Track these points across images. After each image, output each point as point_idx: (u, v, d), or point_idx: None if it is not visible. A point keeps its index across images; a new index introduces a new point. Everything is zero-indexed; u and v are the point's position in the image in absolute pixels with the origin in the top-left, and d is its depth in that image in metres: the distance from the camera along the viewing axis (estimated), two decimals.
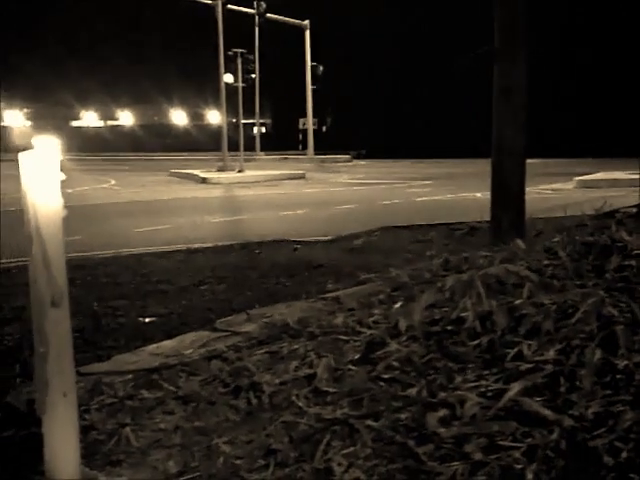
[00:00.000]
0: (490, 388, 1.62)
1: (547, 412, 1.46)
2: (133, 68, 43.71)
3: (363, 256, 6.57)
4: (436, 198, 14.20)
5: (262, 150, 33.13)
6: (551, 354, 1.72)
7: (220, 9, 21.39)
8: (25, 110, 50.64)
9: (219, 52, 21.59)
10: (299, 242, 7.41)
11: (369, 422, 1.49)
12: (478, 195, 13.96)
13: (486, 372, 1.72)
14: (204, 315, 4.01)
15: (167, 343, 2.08)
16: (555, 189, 15.21)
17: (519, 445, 1.39)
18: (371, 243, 7.50)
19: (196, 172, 20.71)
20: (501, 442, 1.39)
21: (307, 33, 29.65)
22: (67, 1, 45.80)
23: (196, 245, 7.14)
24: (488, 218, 7.99)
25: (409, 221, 8.99)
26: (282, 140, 38.82)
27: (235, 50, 23.10)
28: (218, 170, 21.80)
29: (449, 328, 1.96)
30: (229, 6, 22.54)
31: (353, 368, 1.79)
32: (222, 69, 21.82)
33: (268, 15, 26.12)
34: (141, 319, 3.95)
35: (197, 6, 23.46)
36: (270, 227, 9.44)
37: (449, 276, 2.40)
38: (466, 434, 1.41)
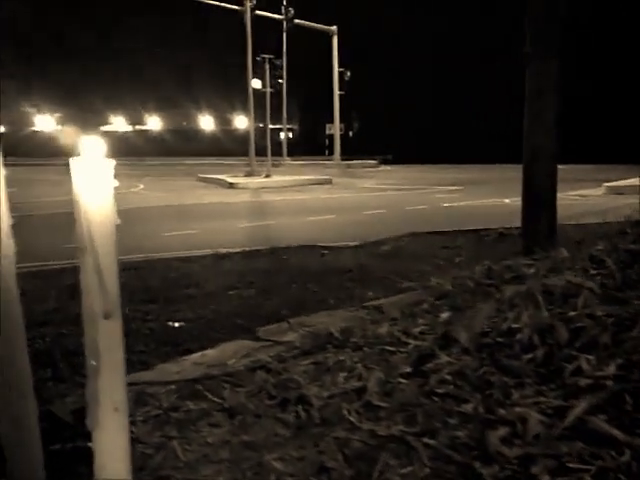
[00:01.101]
0: (550, 405, 1.54)
1: (616, 432, 1.39)
2: (162, 73, 44.14)
3: (392, 262, 6.51)
4: (463, 204, 14.09)
5: (289, 155, 33.19)
6: (612, 369, 1.64)
7: (249, 15, 21.47)
8: (56, 115, 51.39)
9: (247, 58, 21.66)
10: (327, 247, 7.37)
11: (426, 440, 1.43)
12: (506, 201, 13.83)
13: (544, 387, 1.65)
14: (233, 321, 3.99)
15: (209, 352, 2.04)
16: (584, 195, 15.00)
17: (588, 467, 1.32)
18: (399, 249, 7.43)
19: (223, 177, 20.79)
20: (569, 464, 1.32)
21: (335, 39, 29.64)
22: (97, 8, 46.42)
23: (224, 250, 7.12)
24: (517, 224, 7.90)
25: (437, 227, 8.90)
26: (309, 145, 38.90)
27: (263, 56, 23.20)
28: (245, 175, 21.87)
29: (502, 340, 1.89)
30: (257, 12, 22.63)
31: (403, 381, 1.73)
32: (250, 75, 21.89)
33: (296, 21, 26.18)
34: (170, 324, 3.95)
35: (226, 12, 23.59)
36: (297, 232, 9.41)
37: (507, 286, 2.33)
38: (531, 454, 1.34)
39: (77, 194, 1.10)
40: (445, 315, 2.19)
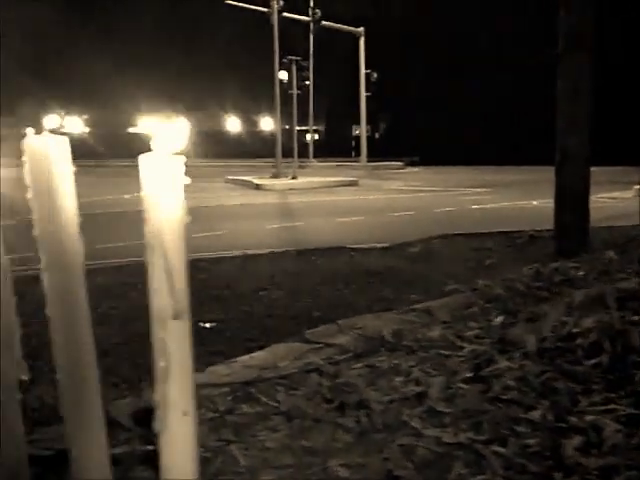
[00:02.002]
0: (623, 413, 1.49)
1: None
2: (188, 75, 44.42)
3: (422, 264, 6.45)
4: (492, 206, 13.95)
5: (315, 157, 33.19)
6: None
7: (276, 17, 21.51)
8: (84, 117, 51.96)
9: (274, 59, 21.70)
10: (355, 249, 7.32)
11: (495, 448, 1.38)
12: (535, 203, 13.67)
13: (613, 395, 1.59)
14: (264, 322, 3.99)
15: (259, 354, 2.01)
16: (614, 197, 14.77)
17: None
18: (429, 251, 7.37)
19: (250, 178, 20.83)
20: None
21: (362, 40, 29.57)
22: (125, 9, 46.88)
23: (252, 251, 7.11)
24: (546, 226, 7.80)
25: (465, 229, 8.81)
26: (335, 147, 38.86)
27: (290, 57, 23.23)
28: (272, 177, 21.90)
29: (563, 345, 1.84)
30: (285, 14, 22.67)
31: (464, 387, 1.68)
32: (277, 76, 21.92)
33: (323, 23, 26.16)
34: (202, 324, 3.95)
35: (253, 14, 23.67)
36: (325, 234, 9.38)
37: (577, 291, 2.27)
38: (613, 465, 1.29)
39: (146, 191, 1.07)
40: (499, 319, 2.13)
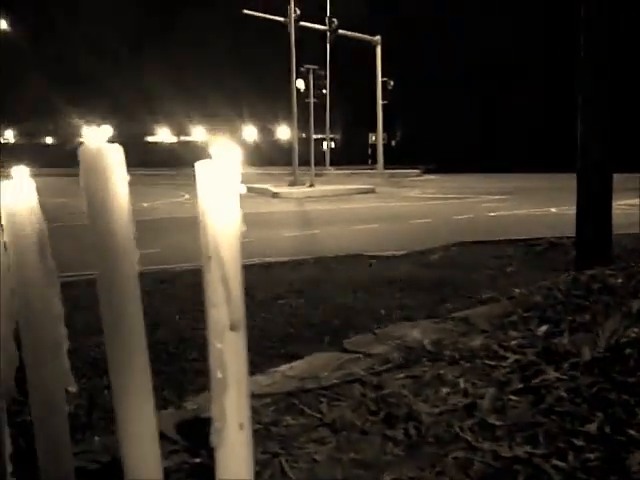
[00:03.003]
0: None
1: None
2: (205, 84, 44.72)
3: (441, 271, 6.40)
4: (510, 213, 13.88)
5: (332, 165, 33.22)
6: None
7: (292, 26, 21.58)
8: (102, 126, 52.29)
9: (291, 68, 21.76)
10: (374, 257, 7.28)
11: (555, 462, 1.34)
12: (553, 210, 13.58)
13: None
14: (285, 330, 3.97)
15: (298, 364, 1.98)
16: (634, 205, 14.65)
17: None
18: (448, 258, 7.32)
19: (267, 186, 20.87)
20: None
21: (378, 49, 29.58)
22: (140, 18, 47.28)
23: (271, 259, 7.10)
24: (566, 233, 7.73)
25: (484, 236, 8.75)
26: (351, 155, 38.89)
27: (307, 66, 23.29)
28: (289, 185, 21.94)
29: (614, 355, 1.79)
30: (302, 23, 22.73)
31: (514, 398, 1.64)
32: (294, 85, 21.97)
33: (340, 31, 26.19)
34: None
35: (270, 23, 23.77)
36: (343, 241, 9.36)
37: (634, 300, 2.21)
38: None
39: (202, 200, 1.05)
40: (543, 328, 2.09)
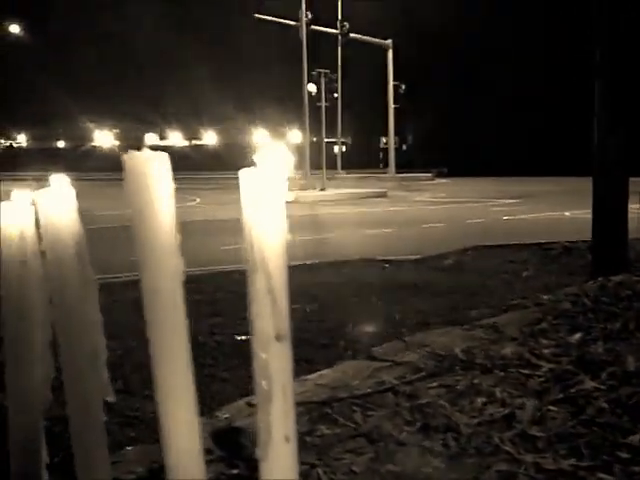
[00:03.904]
0: None
1: None
2: (217, 89, 44.85)
3: (456, 276, 6.37)
4: (523, 217, 13.83)
5: (343, 168, 33.20)
6: None
7: (304, 30, 21.59)
8: (114, 131, 52.67)
9: (303, 72, 21.78)
10: (387, 261, 7.25)
11: (601, 475, 1.31)
12: (566, 214, 13.52)
13: None
14: (299, 335, 3.99)
15: (328, 373, 1.96)
16: None
17: None
18: (463, 263, 7.28)
19: None
20: None
21: (390, 53, 29.56)
22: (151, 26, 47.51)
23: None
24: (580, 237, 7.67)
25: (497, 240, 8.72)
26: (363, 158, 38.87)
27: (319, 70, 23.32)
28: (300, 188, 21.94)
29: None
30: (313, 27, 22.75)
31: (553, 408, 1.61)
32: (305, 89, 21.98)
33: (351, 35, 26.20)
34: (237, 337, 3.93)
35: (281, 27, 23.81)
36: (356, 245, 9.34)
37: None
38: None
39: (247, 209, 1.04)
40: (577, 336, 2.06)
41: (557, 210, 14.40)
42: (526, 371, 1.84)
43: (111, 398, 1.21)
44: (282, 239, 1.04)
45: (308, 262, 7.14)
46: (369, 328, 4.43)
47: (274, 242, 1.04)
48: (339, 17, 25.63)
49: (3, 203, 1.26)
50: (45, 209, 1.19)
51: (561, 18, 33.75)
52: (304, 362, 3.36)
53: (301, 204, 18.70)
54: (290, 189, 22.16)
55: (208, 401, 2.47)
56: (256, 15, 24.43)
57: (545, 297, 2.64)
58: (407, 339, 2.18)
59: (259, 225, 1.02)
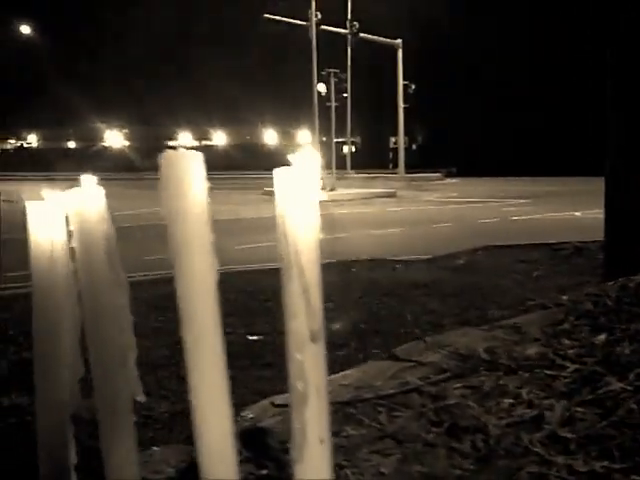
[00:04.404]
0: None
1: None
2: (226, 89, 44.92)
3: (467, 276, 6.35)
4: (533, 217, 13.79)
5: (352, 168, 33.18)
6: None
7: (314, 30, 21.59)
8: (124, 131, 52.83)
9: (312, 72, 21.78)
10: (398, 261, 7.25)
11: (635, 477, 1.30)
12: (577, 214, 13.45)
13: None
14: None
15: (352, 373, 1.95)
16: None
17: None
18: (473, 263, 7.27)
19: None
20: None
21: (400, 52, 29.52)
22: (162, 25, 47.63)
23: None
24: (591, 238, 7.63)
25: (507, 240, 8.70)
26: (372, 158, 38.81)
27: (328, 70, 23.32)
28: None
29: None
30: (323, 27, 22.75)
31: (581, 410, 1.60)
32: (315, 89, 21.99)
33: (361, 35, 26.18)
34: (249, 337, 3.93)
35: (290, 27, 23.82)
36: (366, 245, 9.33)
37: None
38: None
39: (281, 208, 1.03)
40: (602, 337, 2.05)
41: (567, 210, 14.35)
42: (552, 372, 1.83)
43: (141, 398, 1.20)
44: (316, 238, 1.04)
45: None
46: (382, 328, 4.42)
47: (308, 241, 1.03)
48: (349, 17, 25.61)
49: (33, 203, 1.26)
50: (75, 209, 1.19)
51: (576, 17, 33.63)
52: None
53: None
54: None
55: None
56: (266, 15, 24.46)
57: (565, 297, 2.63)
58: (428, 339, 2.17)
59: (293, 224, 1.02)
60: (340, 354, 3.58)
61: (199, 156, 1.05)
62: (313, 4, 21.71)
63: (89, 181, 1.19)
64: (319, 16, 21.93)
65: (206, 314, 1.07)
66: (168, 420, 2.70)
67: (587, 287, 3.22)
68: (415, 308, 4.89)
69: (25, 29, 40.63)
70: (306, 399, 1.02)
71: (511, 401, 1.65)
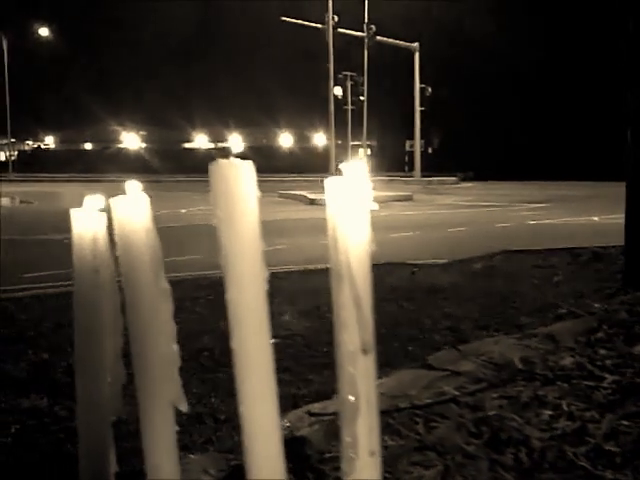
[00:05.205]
0: None
1: None
2: (243, 92, 45.09)
3: (485, 280, 6.30)
4: (551, 222, 13.67)
5: (368, 171, 33.07)
6: None
7: (331, 33, 21.61)
8: (141, 133, 53.08)
9: (329, 75, 21.79)
10: (416, 265, 7.19)
11: None
12: (595, 219, 13.31)
13: None
14: (327, 338, 3.99)
15: (386, 381, 1.93)
16: None
17: None
18: (491, 267, 7.21)
19: (304, 193, 20.92)
20: None
21: (416, 55, 29.44)
22: (179, 29, 47.89)
23: (311, 266, 7.05)
24: (611, 243, 7.54)
25: (525, 245, 8.63)
26: (387, 162, 38.72)
27: (345, 73, 23.34)
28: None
29: None
30: (340, 30, 22.76)
31: (625, 422, 1.57)
32: (332, 92, 21.99)
33: (378, 38, 26.14)
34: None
35: (307, 30, 23.86)
36: (383, 249, 9.22)
37: None
38: None
39: (332, 218, 1.02)
40: (639, 347, 2.01)
41: (585, 214, 14.22)
42: (590, 383, 1.80)
43: (184, 407, 1.19)
44: (367, 248, 1.02)
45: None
46: (400, 332, 4.38)
47: (360, 251, 1.02)
48: (366, 20, 25.59)
49: (76, 210, 1.25)
50: (120, 216, 1.18)
51: (594, 20, 33.41)
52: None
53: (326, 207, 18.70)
54: (315, 192, 22.11)
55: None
56: (282, 18, 24.51)
57: (597, 305, 2.59)
58: (461, 347, 2.14)
59: (345, 234, 1.00)
60: None
61: (249, 164, 1.04)
62: (330, 7, 21.72)
63: (134, 188, 1.18)
64: (336, 19, 21.94)
65: (256, 321, 1.06)
66: (185, 427, 2.69)
67: (620, 295, 3.17)
68: (433, 313, 4.86)
69: (44, 31, 40.97)
70: (357, 412, 1.01)
71: (551, 413, 1.62)
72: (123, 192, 1.14)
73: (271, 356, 1.06)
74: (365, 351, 1.00)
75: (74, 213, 1.25)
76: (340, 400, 1.00)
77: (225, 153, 0.98)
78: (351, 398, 0.99)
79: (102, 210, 1.25)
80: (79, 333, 1.28)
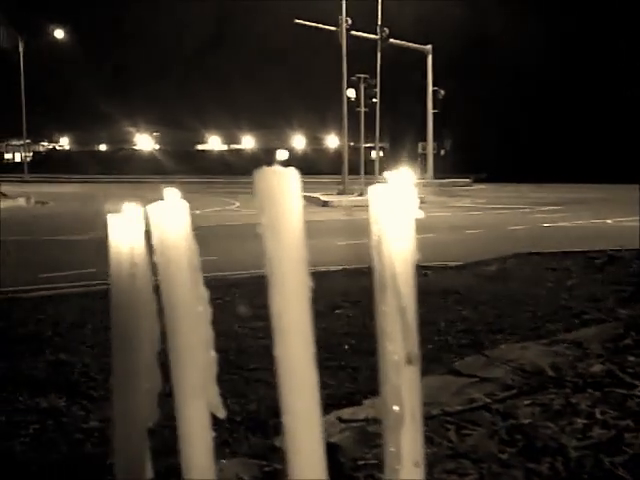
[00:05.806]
0: None
1: None
2: (256, 94, 45.20)
3: (499, 283, 6.27)
4: (565, 224, 13.61)
5: (381, 174, 33.10)
6: None
7: (344, 35, 21.58)
8: (155, 134, 53.27)
9: (342, 78, 21.77)
10: (428, 267, 7.17)
11: None
12: (609, 222, 13.22)
13: None
14: (343, 340, 3.97)
15: None
16: None
17: None
18: (505, 270, 7.18)
19: (317, 195, 20.92)
20: None
21: (429, 58, 29.37)
22: (193, 31, 48.07)
23: (324, 268, 7.04)
24: (625, 246, 7.50)
25: (539, 248, 8.60)
26: (400, 164, 38.66)
27: (358, 75, 23.31)
28: (338, 193, 21.96)
29: None
30: (353, 32, 22.73)
31: None
32: (345, 94, 21.97)
33: (391, 40, 26.09)
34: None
35: (320, 32, 23.84)
36: None
37: None
38: None
39: (377, 227, 1.01)
40: None
41: (599, 217, 14.14)
42: (622, 390, 1.78)
43: (221, 414, 1.19)
44: (412, 257, 1.01)
45: (348, 267, 7.09)
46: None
47: (405, 261, 1.01)
48: (379, 22, 25.54)
49: (114, 216, 1.25)
50: (158, 224, 1.18)
51: (609, 24, 33.25)
52: (352, 370, 3.32)
53: (339, 209, 18.70)
54: (328, 194, 22.04)
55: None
56: (295, 20, 24.50)
57: (624, 311, 2.57)
58: (488, 353, 2.12)
59: (390, 243, 0.99)
60: (374, 361, 3.57)
61: (294, 172, 1.03)
62: (344, 10, 21.70)
63: (173, 194, 1.18)
64: (349, 22, 21.91)
65: (300, 330, 1.06)
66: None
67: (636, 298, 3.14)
68: (448, 315, 4.85)
69: (59, 34, 41.22)
70: (401, 422, 1.00)
71: (585, 421, 1.60)
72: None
73: (315, 365, 1.05)
74: (410, 361, 1.00)
75: (111, 219, 1.25)
76: (384, 410, 1.00)
77: (284, 162, 0.98)
78: (395, 408, 0.98)
79: (139, 217, 1.25)
80: (116, 339, 1.28)
